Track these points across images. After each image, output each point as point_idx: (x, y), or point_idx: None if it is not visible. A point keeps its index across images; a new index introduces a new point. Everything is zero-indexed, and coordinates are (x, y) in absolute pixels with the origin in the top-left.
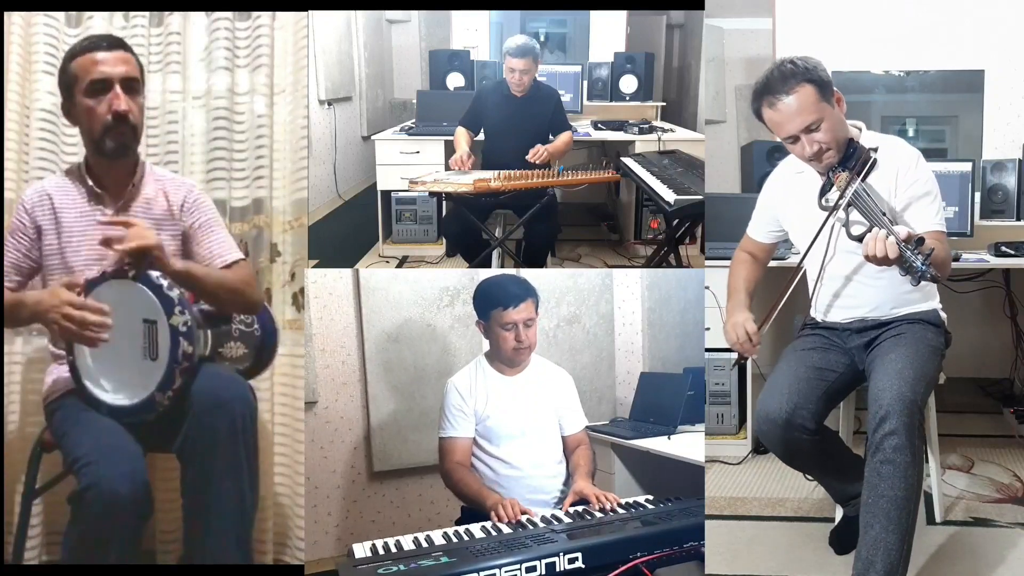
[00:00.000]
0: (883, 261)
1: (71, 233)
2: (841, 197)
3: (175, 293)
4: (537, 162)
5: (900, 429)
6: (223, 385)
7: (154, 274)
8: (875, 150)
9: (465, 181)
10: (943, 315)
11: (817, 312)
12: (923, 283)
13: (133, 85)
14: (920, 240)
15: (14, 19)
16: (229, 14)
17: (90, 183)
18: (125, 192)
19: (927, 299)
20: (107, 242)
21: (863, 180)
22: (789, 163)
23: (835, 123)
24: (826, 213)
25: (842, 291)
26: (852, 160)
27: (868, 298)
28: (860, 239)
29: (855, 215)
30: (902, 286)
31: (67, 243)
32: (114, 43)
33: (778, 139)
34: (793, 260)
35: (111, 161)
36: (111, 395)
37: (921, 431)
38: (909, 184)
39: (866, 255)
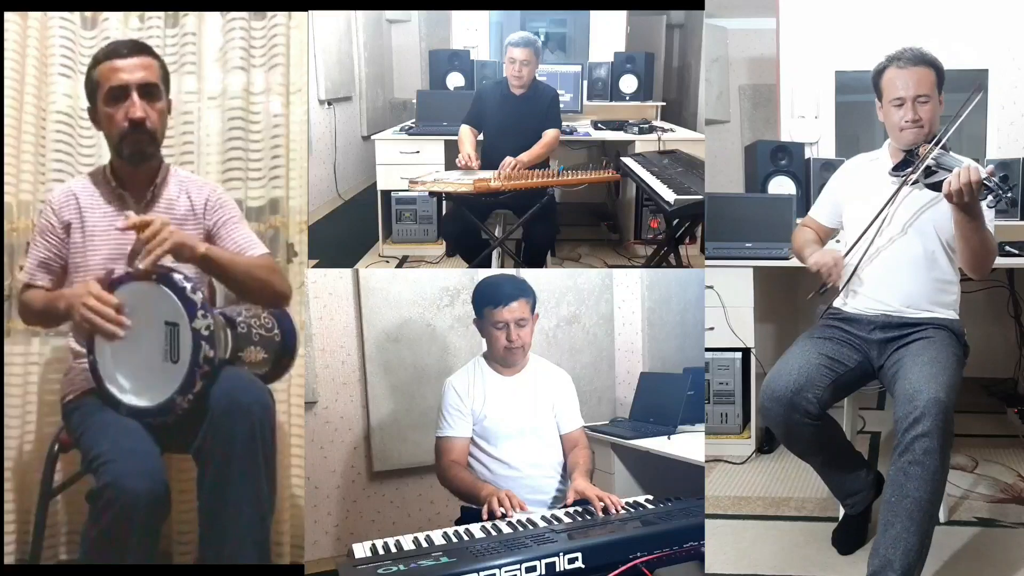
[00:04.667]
0: (966, 190)
1: (94, 233)
2: (924, 158)
3: (198, 297)
4: (510, 173)
5: (933, 432)
6: (242, 389)
7: (177, 276)
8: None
9: (465, 181)
10: (964, 329)
11: (847, 299)
12: (950, 288)
13: (152, 90)
14: (1004, 176)
15: (30, 21)
16: (245, 14)
17: (113, 184)
18: (148, 193)
19: (952, 308)
20: (133, 255)
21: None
22: (864, 155)
23: (935, 110)
24: (893, 189)
25: (879, 275)
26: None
27: (904, 287)
28: (935, 186)
29: (933, 177)
30: (939, 283)
31: (89, 242)
32: (135, 48)
33: (886, 101)
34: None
35: (133, 165)
36: (130, 395)
37: (951, 437)
38: None
39: (948, 189)
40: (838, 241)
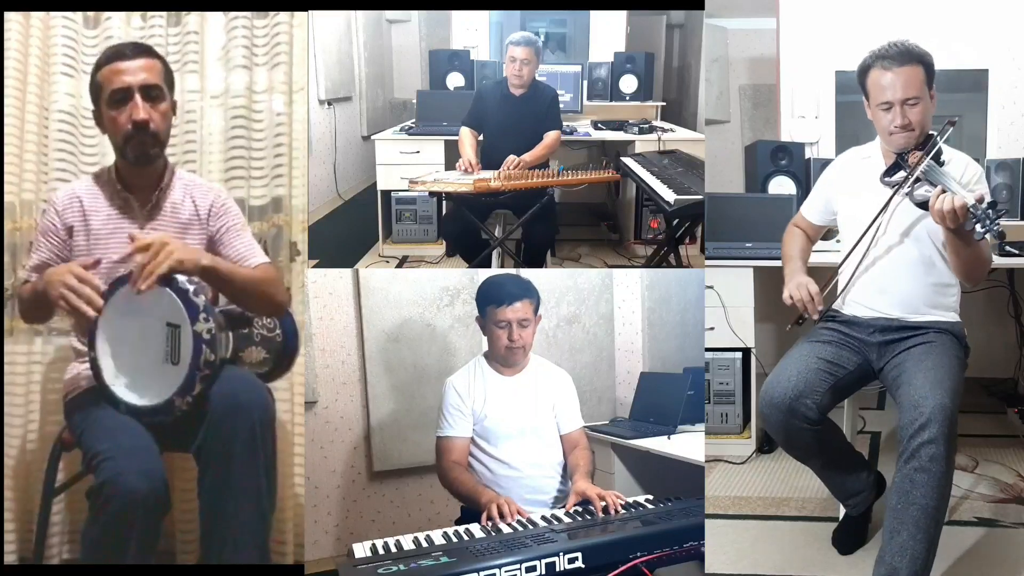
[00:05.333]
0: (950, 217)
1: (98, 236)
2: (913, 170)
3: (201, 300)
4: (511, 173)
5: (939, 438)
6: (242, 389)
7: (181, 278)
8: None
9: (465, 181)
10: (965, 331)
11: (844, 303)
12: (950, 291)
13: (155, 92)
14: (992, 203)
15: (32, 20)
16: (247, 12)
17: (119, 187)
18: (153, 196)
19: (953, 309)
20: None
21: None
22: (856, 150)
23: (927, 109)
24: (886, 194)
25: (879, 277)
26: (926, 146)
27: (902, 290)
28: (922, 204)
29: (920, 191)
30: (937, 285)
31: (94, 244)
32: (138, 50)
33: (869, 106)
34: (816, 258)
35: (138, 167)
36: (130, 394)
37: (956, 442)
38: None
39: (935, 208)
40: (838, 241)
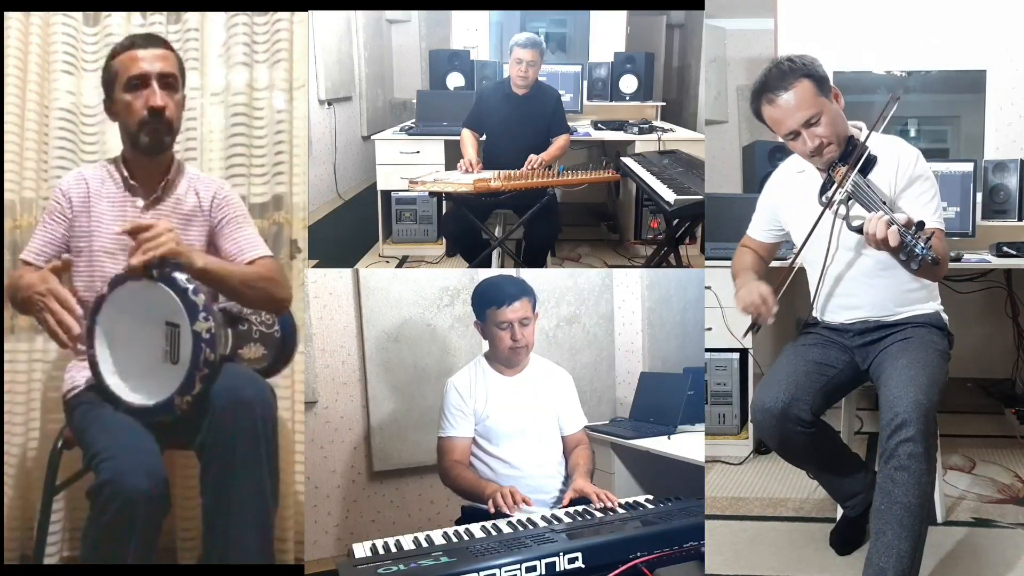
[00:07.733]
0: (883, 245)
1: (100, 220)
2: (840, 189)
3: (200, 299)
4: (526, 171)
5: (916, 436)
6: (244, 385)
7: (180, 277)
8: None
9: (465, 181)
10: (945, 317)
11: (819, 313)
12: (925, 282)
13: (170, 82)
14: (920, 224)
15: (33, 18)
16: (248, 11)
17: (125, 175)
18: (158, 188)
19: (929, 299)
20: (132, 238)
21: (864, 176)
22: (790, 163)
23: (834, 117)
24: (828, 212)
25: (843, 291)
26: (851, 155)
27: (870, 298)
28: (860, 230)
29: (856, 210)
30: (904, 284)
31: (95, 228)
32: (154, 41)
33: (779, 138)
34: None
35: (147, 156)
36: (130, 393)
37: (936, 438)
38: (908, 182)
39: (867, 240)
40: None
